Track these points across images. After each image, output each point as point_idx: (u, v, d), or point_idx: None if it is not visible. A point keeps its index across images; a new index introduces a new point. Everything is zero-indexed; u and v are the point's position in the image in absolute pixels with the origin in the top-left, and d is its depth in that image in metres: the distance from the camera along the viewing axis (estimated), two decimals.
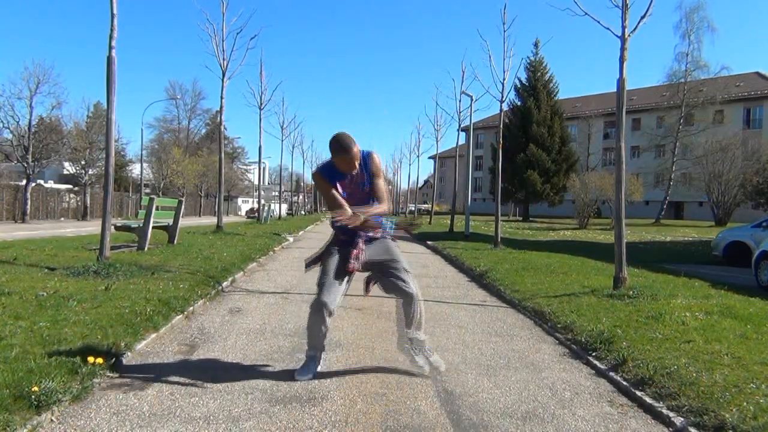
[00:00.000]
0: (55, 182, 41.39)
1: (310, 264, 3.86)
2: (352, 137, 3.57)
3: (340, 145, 3.53)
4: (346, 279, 3.69)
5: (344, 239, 3.71)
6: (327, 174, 3.68)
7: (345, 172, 3.64)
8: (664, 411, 3.12)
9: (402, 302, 3.76)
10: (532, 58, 45.08)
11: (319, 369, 3.71)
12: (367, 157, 3.69)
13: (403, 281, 3.69)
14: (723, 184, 31.71)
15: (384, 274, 3.74)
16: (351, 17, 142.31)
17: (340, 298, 3.67)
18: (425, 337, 3.85)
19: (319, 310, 3.60)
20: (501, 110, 13.64)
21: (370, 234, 3.71)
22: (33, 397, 2.76)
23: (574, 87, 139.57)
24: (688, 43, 36.43)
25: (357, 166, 3.62)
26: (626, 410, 3.27)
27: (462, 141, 33.47)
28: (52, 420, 2.77)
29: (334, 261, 3.68)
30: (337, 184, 3.66)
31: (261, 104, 22.00)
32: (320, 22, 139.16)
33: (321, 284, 3.64)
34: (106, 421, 2.82)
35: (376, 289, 3.88)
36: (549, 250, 13.02)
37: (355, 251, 3.61)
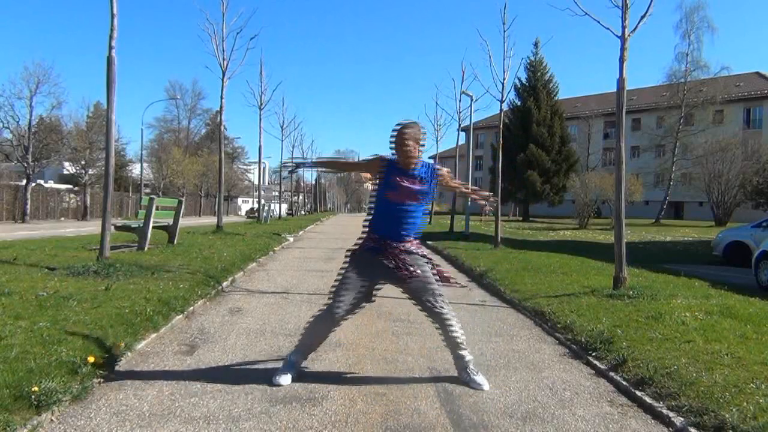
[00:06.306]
0: (55, 182, 41.37)
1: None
2: (420, 125, 3.45)
3: (403, 129, 3.40)
4: (369, 291, 3.49)
5: (374, 245, 3.48)
6: (387, 164, 3.49)
7: (403, 168, 3.45)
8: (664, 411, 3.12)
9: (436, 324, 3.60)
10: (532, 58, 45.08)
11: (319, 369, 3.71)
12: (434, 168, 3.56)
13: (437, 305, 3.51)
14: (723, 184, 31.70)
15: (420, 294, 3.53)
16: (351, 17, 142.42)
17: (355, 310, 3.52)
18: (470, 356, 3.67)
19: (327, 320, 3.47)
20: (501, 110, 13.62)
21: (408, 247, 3.47)
22: (33, 397, 2.76)
23: (574, 87, 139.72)
24: (688, 43, 36.48)
25: (415, 157, 3.41)
26: (626, 410, 3.27)
27: (462, 141, 33.48)
28: (52, 420, 2.77)
29: (359, 269, 3.46)
30: (392, 177, 3.45)
31: (261, 104, 22.03)
32: (320, 21, 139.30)
33: (337, 293, 3.44)
34: (106, 421, 2.82)
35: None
36: (549, 250, 13.01)
37: (406, 258, 3.40)
